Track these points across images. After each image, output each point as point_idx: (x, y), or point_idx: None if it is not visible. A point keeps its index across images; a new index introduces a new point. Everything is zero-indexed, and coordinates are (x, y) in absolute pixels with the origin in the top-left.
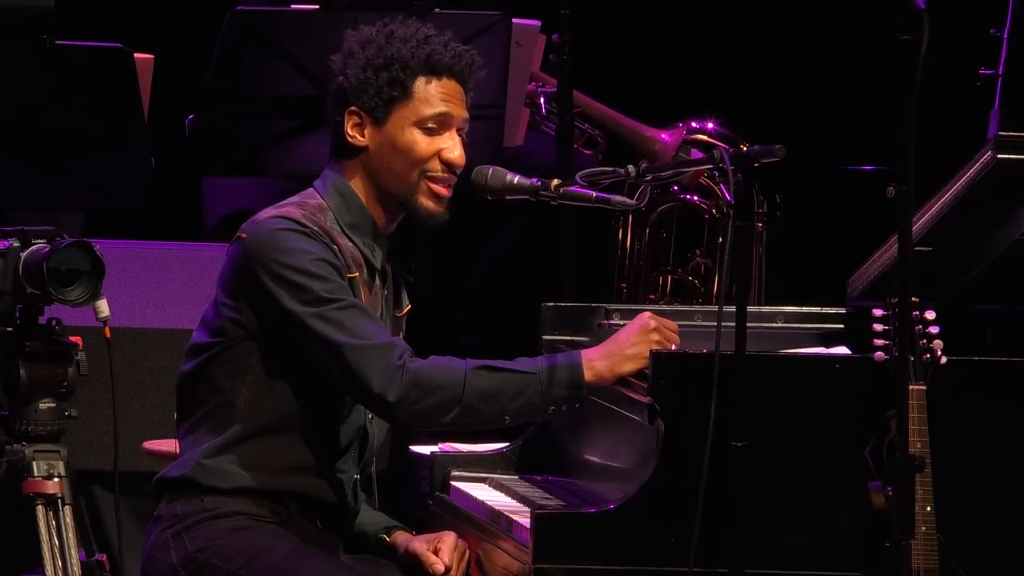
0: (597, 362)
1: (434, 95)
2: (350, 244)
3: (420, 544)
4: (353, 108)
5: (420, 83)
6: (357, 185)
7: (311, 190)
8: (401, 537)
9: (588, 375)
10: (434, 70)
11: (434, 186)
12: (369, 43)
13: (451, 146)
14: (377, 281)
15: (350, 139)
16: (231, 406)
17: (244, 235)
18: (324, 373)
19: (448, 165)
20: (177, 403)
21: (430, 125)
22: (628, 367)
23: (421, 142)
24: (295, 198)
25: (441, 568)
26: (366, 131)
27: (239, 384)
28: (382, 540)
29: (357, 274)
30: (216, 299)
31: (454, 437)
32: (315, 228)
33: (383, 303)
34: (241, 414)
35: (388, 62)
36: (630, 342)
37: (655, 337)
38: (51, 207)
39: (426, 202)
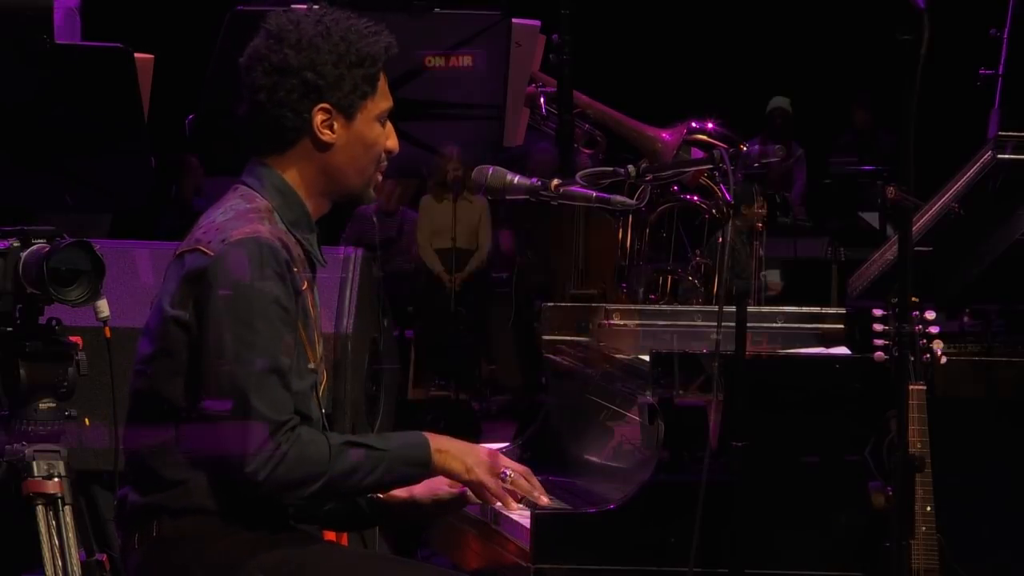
0: (444, 450)
1: (384, 87)
2: (294, 242)
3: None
4: (325, 104)
5: (381, 77)
6: (296, 178)
7: (251, 192)
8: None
9: (435, 457)
10: (385, 63)
11: (379, 175)
12: (327, 35)
13: (392, 134)
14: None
15: (321, 136)
16: None
17: (209, 252)
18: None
19: (388, 153)
20: (136, 412)
21: (383, 117)
22: (457, 467)
23: (381, 135)
24: (241, 203)
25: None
26: (335, 127)
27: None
28: (375, 500)
29: (306, 285)
30: (163, 310)
31: None
32: (283, 252)
33: (315, 297)
34: None
35: (362, 58)
36: (479, 460)
37: (491, 481)
38: (58, 208)
39: (373, 192)
